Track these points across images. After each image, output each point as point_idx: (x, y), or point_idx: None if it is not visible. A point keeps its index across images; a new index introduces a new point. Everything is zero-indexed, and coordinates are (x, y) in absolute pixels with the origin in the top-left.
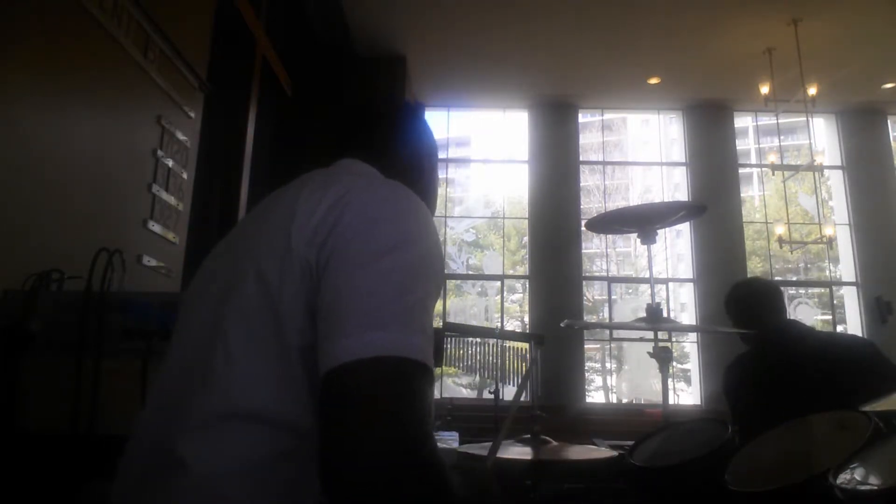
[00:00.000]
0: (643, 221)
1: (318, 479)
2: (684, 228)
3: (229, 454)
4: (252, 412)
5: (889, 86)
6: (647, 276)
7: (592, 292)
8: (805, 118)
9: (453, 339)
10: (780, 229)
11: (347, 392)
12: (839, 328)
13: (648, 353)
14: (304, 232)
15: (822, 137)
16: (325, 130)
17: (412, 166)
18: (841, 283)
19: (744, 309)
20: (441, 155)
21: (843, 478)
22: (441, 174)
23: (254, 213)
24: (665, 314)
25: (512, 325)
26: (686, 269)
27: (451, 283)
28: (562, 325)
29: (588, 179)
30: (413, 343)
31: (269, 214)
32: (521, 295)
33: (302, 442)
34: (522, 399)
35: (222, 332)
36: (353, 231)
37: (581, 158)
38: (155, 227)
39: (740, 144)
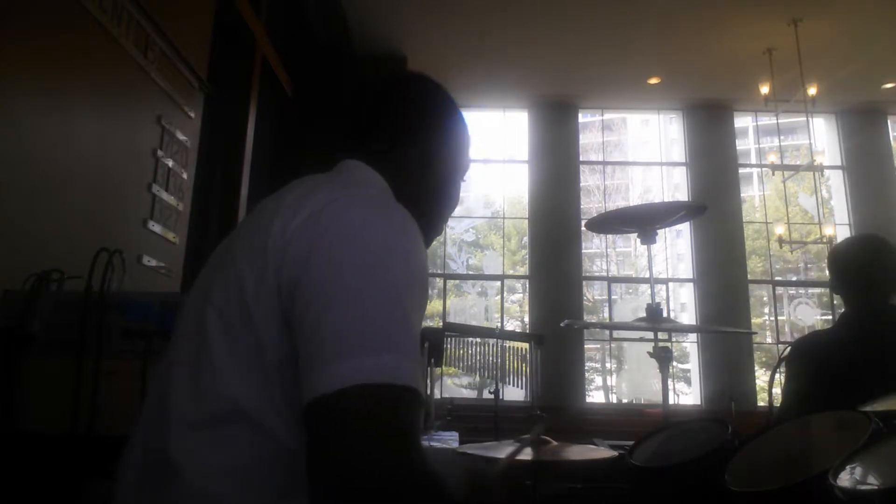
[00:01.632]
0: (643, 221)
1: None
2: (684, 228)
3: (219, 457)
4: (238, 416)
5: (889, 86)
6: (647, 276)
7: (592, 292)
8: (805, 118)
9: (453, 339)
10: (780, 229)
11: (335, 422)
12: None
13: (648, 353)
14: (278, 245)
15: (822, 137)
16: (327, 127)
17: (424, 172)
18: None
19: (874, 269)
20: None
21: (843, 478)
22: None
23: (246, 219)
24: (665, 314)
25: (512, 325)
26: (686, 269)
27: (451, 283)
28: (562, 324)
29: (588, 179)
30: (397, 367)
31: (254, 223)
32: (521, 295)
33: (284, 448)
34: (522, 399)
35: (206, 339)
36: (328, 252)
37: (581, 158)
38: (155, 227)
39: (740, 144)
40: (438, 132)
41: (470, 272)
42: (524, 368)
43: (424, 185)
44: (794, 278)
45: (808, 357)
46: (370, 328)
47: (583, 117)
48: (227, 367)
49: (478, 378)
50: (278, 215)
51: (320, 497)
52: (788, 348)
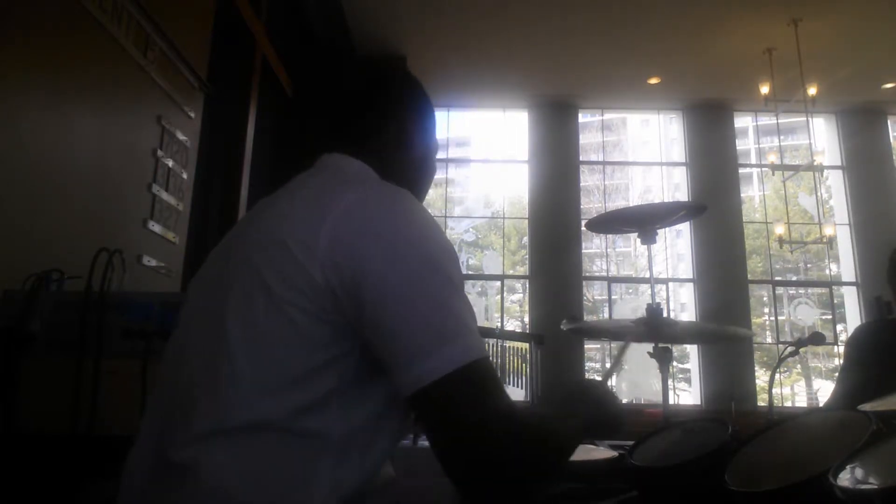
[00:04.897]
0: (643, 221)
1: (452, 481)
2: (684, 228)
3: (238, 460)
4: (260, 424)
5: (889, 86)
6: (647, 276)
7: (592, 292)
8: (805, 118)
9: None
10: (780, 229)
11: (447, 404)
12: (839, 328)
13: (648, 353)
14: (314, 249)
15: (822, 137)
16: (314, 122)
17: (405, 153)
18: (841, 283)
19: None
20: (441, 155)
21: (843, 478)
22: (441, 174)
23: (248, 219)
24: (665, 314)
25: (512, 325)
26: (686, 269)
27: None
28: (562, 327)
29: (588, 179)
30: (474, 344)
31: (264, 224)
32: (521, 295)
33: (305, 446)
34: (522, 399)
35: (225, 344)
36: (377, 254)
37: (581, 158)
38: (155, 227)
39: (740, 144)
40: (413, 113)
41: (470, 272)
42: (524, 368)
43: (405, 165)
44: (794, 278)
45: (858, 358)
46: (441, 320)
47: (583, 117)
48: (250, 378)
49: None
50: (298, 217)
51: (462, 470)
52: (850, 334)
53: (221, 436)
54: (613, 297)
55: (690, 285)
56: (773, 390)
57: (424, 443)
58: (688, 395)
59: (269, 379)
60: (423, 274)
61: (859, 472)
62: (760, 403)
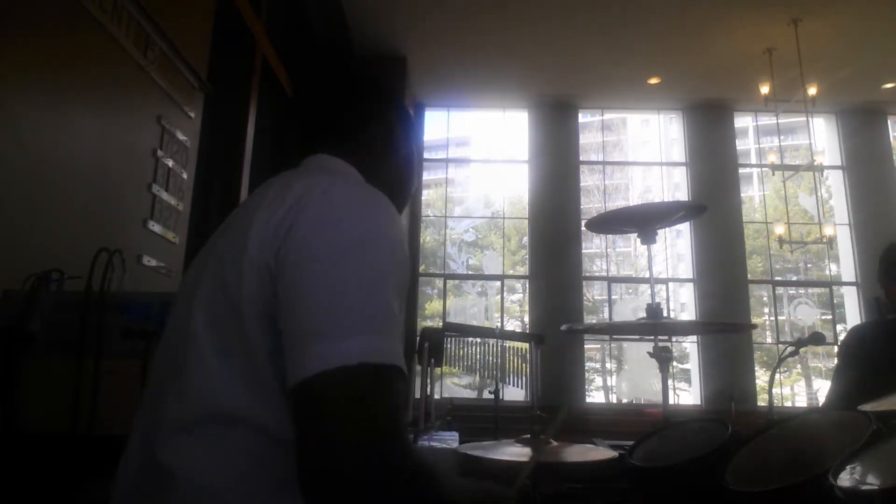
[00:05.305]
0: (643, 221)
1: (300, 490)
2: (684, 228)
3: (211, 457)
4: (228, 415)
5: (889, 86)
6: (647, 276)
7: (592, 292)
8: (805, 118)
9: (453, 339)
10: (780, 229)
11: (320, 403)
12: (839, 328)
13: (648, 353)
14: (261, 236)
15: (822, 137)
16: (302, 121)
17: (397, 164)
18: (841, 283)
19: None
20: (441, 155)
21: (843, 478)
22: (441, 174)
23: (229, 218)
24: (665, 314)
25: (512, 325)
26: (686, 269)
27: (451, 283)
28: (563, 328)
29: (588, 179)
30: (381, 347)
31: (236, 220)
32: (521, 295)
33: (277, 441)
34: (522, 399)
35: (193, 337)
36: (309, 235)
37: (581, 158)
38: (155, 227)
39: (740, 144)
40: (398, 115)
41: (470, 272)
42: (524, 368)
43: (390, 167)
44: (794, 278)
45: (852, 359)
46: (352, 311)
47: (583, 117)
48: (214, 367)
49: (478, 378)
50: (261, 209)
51: (309, 483)
52: (844, 336)
53: (193, 429)
54: (613, 297)
55: (690, 285)
56: (773, 390)
57: (424, 443)
58: (688, 395)
59: (229, 368)
60: (347, 263)
61: (859, 472)
62: (760, 403)
